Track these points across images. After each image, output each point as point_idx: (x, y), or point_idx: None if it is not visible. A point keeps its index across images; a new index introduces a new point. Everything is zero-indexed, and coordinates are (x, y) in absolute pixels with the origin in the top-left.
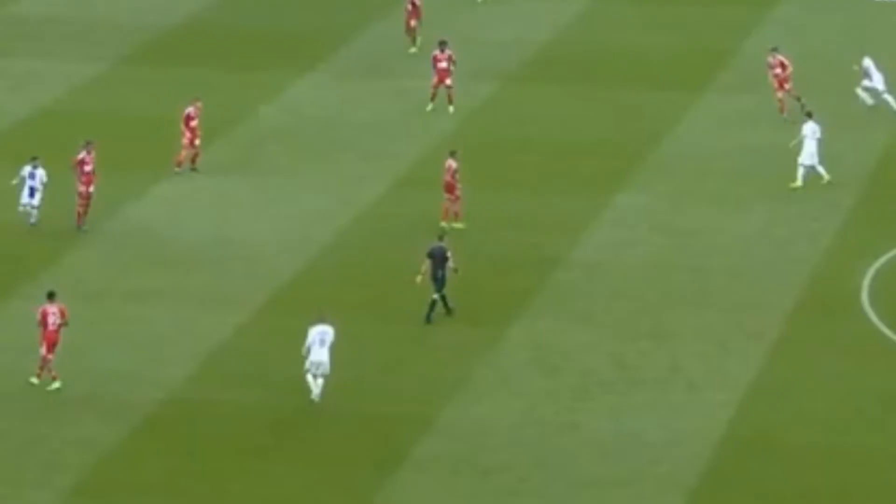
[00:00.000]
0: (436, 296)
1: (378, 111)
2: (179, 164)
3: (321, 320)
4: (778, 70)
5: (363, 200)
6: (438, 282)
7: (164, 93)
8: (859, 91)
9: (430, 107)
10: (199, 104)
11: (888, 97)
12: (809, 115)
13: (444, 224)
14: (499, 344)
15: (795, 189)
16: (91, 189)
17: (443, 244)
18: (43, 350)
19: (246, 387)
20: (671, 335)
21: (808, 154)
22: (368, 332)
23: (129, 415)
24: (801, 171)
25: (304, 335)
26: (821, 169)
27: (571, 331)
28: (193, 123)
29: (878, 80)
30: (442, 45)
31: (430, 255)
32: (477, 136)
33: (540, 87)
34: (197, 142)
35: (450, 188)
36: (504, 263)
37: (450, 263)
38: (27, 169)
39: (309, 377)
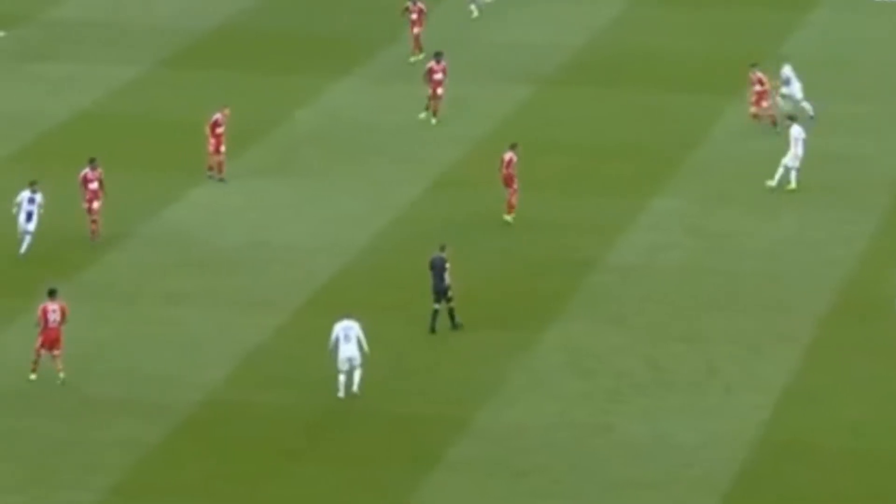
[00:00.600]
0: (437, 306)
1: (413, 115)
2: (210, 169)
3: (346, 316)
4: (757, 86)
5: (398, 203)
6: (440, 293)
7: (200, 96)
8: (777, 98)
9: (423, 115)
10: (226, 111)
11: (805, 104)
12: (793, 119)
13: (506, 218)
14: (533, 346)
15: (772, 189)
16: (96, 205)
17: (443, 255)
18: (37, 345)
19: (282, 388)
20: (705, 338)
21: (793, 156)
22: (403, 334)
23: (166, 416)
24: (787, 174)
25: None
26: (794, 175)
27: (605, 333)
28: (219, 130)
29: (795, 89)
30: (438, 56)
31: (431, 266)
32: (512, 140)
33: (575, 90)
34: (222, 149)
35: (508, 181)
36: (538, 266)
37: (447, 276)
38: (25, 194)
39: (341, 377)
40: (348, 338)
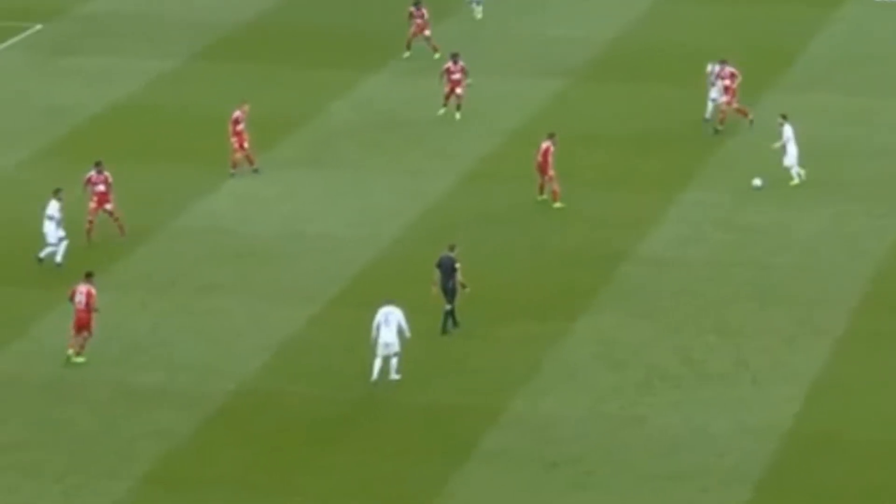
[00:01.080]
0: (448, 307)
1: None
2: (234, 167)
3: (387, 301)
4: (727, 81)
5: (431, 195)
6: (448, 293)
7: (234, 89)
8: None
9: (441, 111)
10: (245, 107)
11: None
12: (785, 118)
13: (539, 198)
14: (565, 338)
15: (796, 186)
16: (109, 206)
17: (452, 255)
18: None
19: (315, 379)
20: (737, 331)
21: (792, 156)
22: (435, 324)
23: (201, 406)
24: (794, 171)
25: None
26: (797, 170)
27: (637, 326)
28: (240, 127)
29: (714, 90)
30: (454, 57)
31: (439, 266)
32: (543, 133)
33: (606, 84)
34: (245, 145)
35: (542, 169)
36: (571, 258)
37: (458, 276)
38: (55, 204)
39: (376, 361)
40: (388, 323)
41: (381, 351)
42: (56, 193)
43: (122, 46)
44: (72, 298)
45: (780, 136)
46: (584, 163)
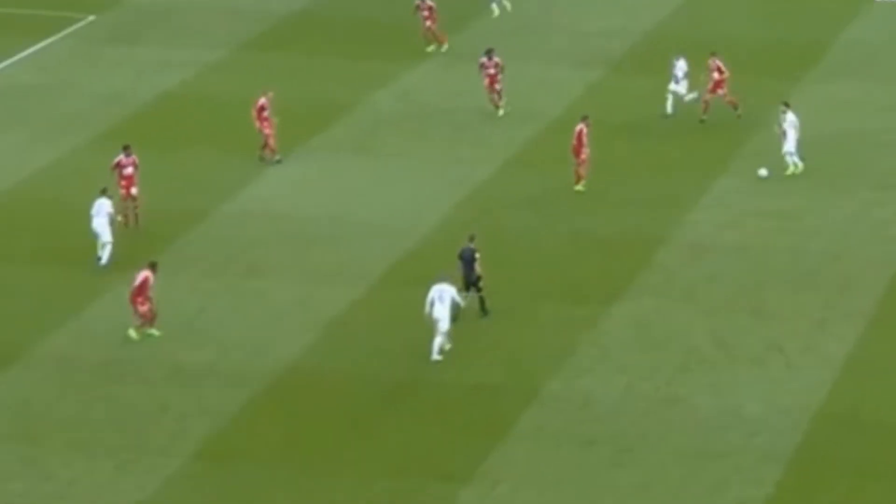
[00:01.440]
0: (480, 294)
1: (486, 96)
2: (263, 149)
3: (441, 279)
4: (715, 74)
5: (473, 182)
6: (469, 283)
7: (281, 78)
8: (675, 87)
9: (500, 112)
10: (270, 94)
11: (674, 89)
12: (788, 106)
13: (577, 188)
14: (602, 320)
15: (795, 174)
16: (134, 191)
17: (472, 245)
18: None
19: (360, 358)
20: (770, 314)
21: (791, 142)
22: (476, 305)
23: (249, 383)
24: (792, 159)
25: (418, 307)
26: (795, 158)
27: (673, 309)
28: (265, 114)
29: (681, 86)
30: (489, 52)
31: (460, 257)
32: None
33: (643, 74)
34: (270, 131)
35: (576, 151)
36: (608, 243)
37: (476, 266)
38: (105, 201)
39: (437, 339)
40: (442, 300)
41: (434, 326)
42: (104, 192)
43: (173, 37)
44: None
45: (780, 122)
46: (621, 151)
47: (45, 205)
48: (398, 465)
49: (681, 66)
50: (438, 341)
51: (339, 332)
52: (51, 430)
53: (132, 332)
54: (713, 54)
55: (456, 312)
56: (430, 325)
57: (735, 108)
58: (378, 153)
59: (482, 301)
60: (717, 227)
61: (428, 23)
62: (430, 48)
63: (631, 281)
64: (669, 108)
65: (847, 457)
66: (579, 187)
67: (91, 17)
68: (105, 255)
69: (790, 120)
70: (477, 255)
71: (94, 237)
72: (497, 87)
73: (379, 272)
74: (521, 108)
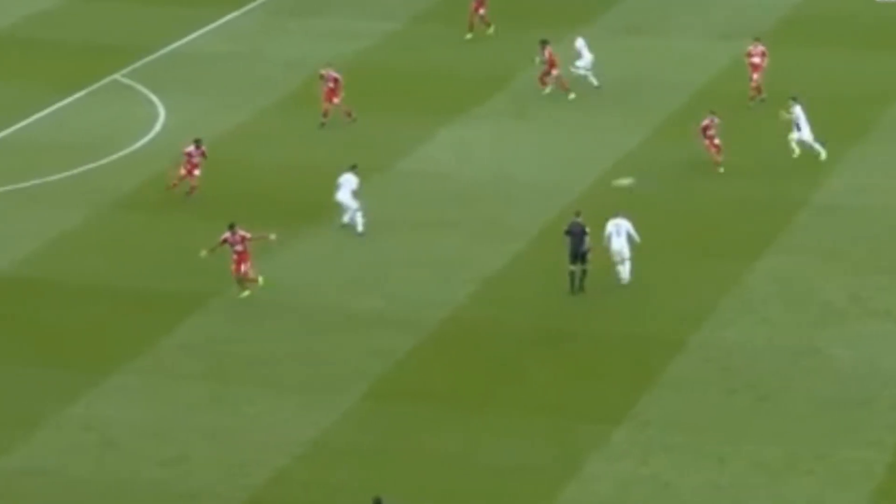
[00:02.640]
0: (573, 268)
1: (638, 67)
2: (325, 115)
3: (617, 213)
4: (757, 59)
5: (623, 147)
6: (577, 256)
7: (451, 49)
8: (571, 69)
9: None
10: (330, 69)
11: (591, 77)
12: (795, 100)
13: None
14: (745, 276)
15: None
16: (197, 172)
17: (579, 220)
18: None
19: (518, 308)
20: None
21: (806, 132)
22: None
23: (416, 330)
24: (811, 147)
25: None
26: (796, 146)
27: (813, 266)
28: (330, 85)
29: (586, 61)
30: (543, 43)
31: (570, 233)
32: (728, 91)
33: (791, 45)
34: (335, 100)
35: (708, 143)
36: (752, 205)
37: (587, 240)
38: (351, 177)
39: (618, 268)
40: (619, 233)
41: (616, 258)
42: (353, 168)
43: (349, 9)
44: (230, 244)
45: (790, 112)
46: (766, 119)
47: (235, 163)
48: (553, 406)
49: (580, 45)
50: (626, 268)
51: (500, 283)
52: (238, 368)
53: (260, 280)
54: (756, 40)
55: (634, 245)
56: (609, 257)
57: (759, 92)
58: (538, 119)
59: (584, 275)
60: (857, 190)
61: (479, 11)
62: (490, 30)
63: (772, 240)
64: (583, 73)
65: None
66: (721, 170)
67: None
68: (359, 222)
69: (798, 112)
70: (587, 230)
71: (339, 206)
72: (555, 73)
73: (537, 229)
74: (668, 78)
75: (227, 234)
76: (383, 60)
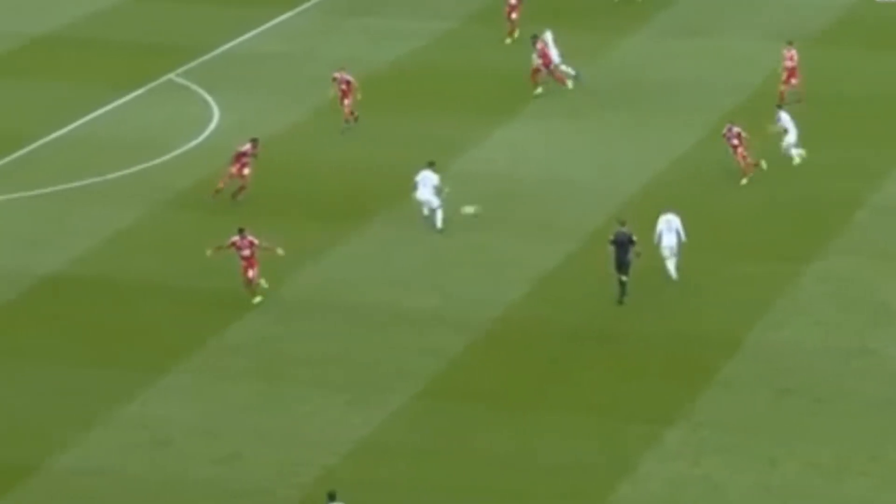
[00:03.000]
0: (624, 278)
1: (693, 68)
2: (347, 121)
3: (667, 210)
4: (788, 62)
5: (676, 148)
6: (623, 266)
7: (507, 49)
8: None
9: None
10: (344, 72)
11: (564, 67)
12: (779, 107)
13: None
14: (798, 277)
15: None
16: (246, 171)
17: (625, 230)
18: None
19: (570, 308)
20: None
21: (792, 135)
22: (679, 263)
23: (467, 330)
24: (796, 151)
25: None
26: (799, 150)
27: (868, 267)
28: (344, 87)
29: (554, 55)
30: (535, 38)
31: (614, 242)
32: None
33: (843, 47)
34: (346, 101)
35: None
36: (806, 206)
37: (636, 248)
38: (429, 174)
39: (667, 263)
40: (670, 229)
41: (665, 253)
42: (431, 165)
43: (405, 9)
44: (238, 248)
45: (777, 122)
46: (821, 121)
47: (288, 163)
48: (605, 406)
49: (547, 39)
50: (674, 262)
51: (552, 283)
52: (288, 367)
53: (262, 282)
54: (789, 44)
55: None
56: (659, 258)
57: (799, 100)
58: (589, 119)
59: (623, 286)
60: None
61: (511, 16)
62: (508, 40)
63: (827, 241)
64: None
65: None
66: (764, 164)
67: None
68: (439, 219)
69: (784, 118)
70: (634, 238)
71: (419, 205)
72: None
73: (590, 229)
74: (723, 79)
75: (235, 238)
76: (437, 60)
